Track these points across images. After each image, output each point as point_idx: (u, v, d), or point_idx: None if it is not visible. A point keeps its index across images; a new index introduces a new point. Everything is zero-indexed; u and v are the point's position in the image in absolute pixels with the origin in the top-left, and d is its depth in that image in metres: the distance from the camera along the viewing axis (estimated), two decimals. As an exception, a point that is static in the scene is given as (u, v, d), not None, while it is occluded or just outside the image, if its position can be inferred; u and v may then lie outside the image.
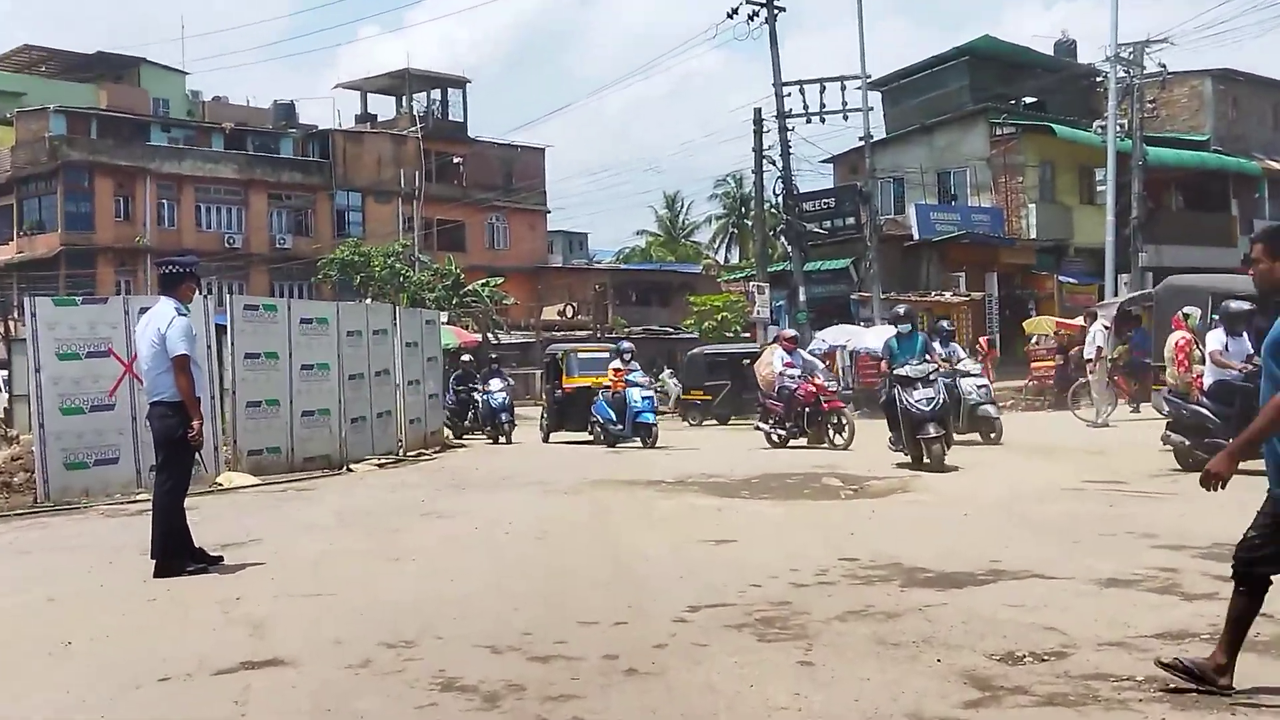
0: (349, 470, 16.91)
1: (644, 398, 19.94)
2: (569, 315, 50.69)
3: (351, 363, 17.99)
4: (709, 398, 29.59)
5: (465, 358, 27.53)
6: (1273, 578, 5.09)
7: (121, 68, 55.04)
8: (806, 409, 18.46)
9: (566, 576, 8.31)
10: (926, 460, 14.13)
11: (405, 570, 8.65)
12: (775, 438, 18.93)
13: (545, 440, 22.36)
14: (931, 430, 14.20)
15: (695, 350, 32.49)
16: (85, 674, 6.03)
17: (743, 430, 24.36)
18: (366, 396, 18.50)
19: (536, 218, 57.99)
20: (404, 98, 55.26)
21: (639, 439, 19.89)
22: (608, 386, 20.95)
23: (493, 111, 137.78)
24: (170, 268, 9.08)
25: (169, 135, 49.84)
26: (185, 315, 8.73)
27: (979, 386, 18.52)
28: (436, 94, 56.25)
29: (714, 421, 29.09)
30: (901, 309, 15.71)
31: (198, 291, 9.93)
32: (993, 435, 17.95)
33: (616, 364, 20.76)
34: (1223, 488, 5.08)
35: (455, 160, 55.48)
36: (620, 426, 20.16)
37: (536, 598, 7.58)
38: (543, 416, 25.08)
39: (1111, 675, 5.41)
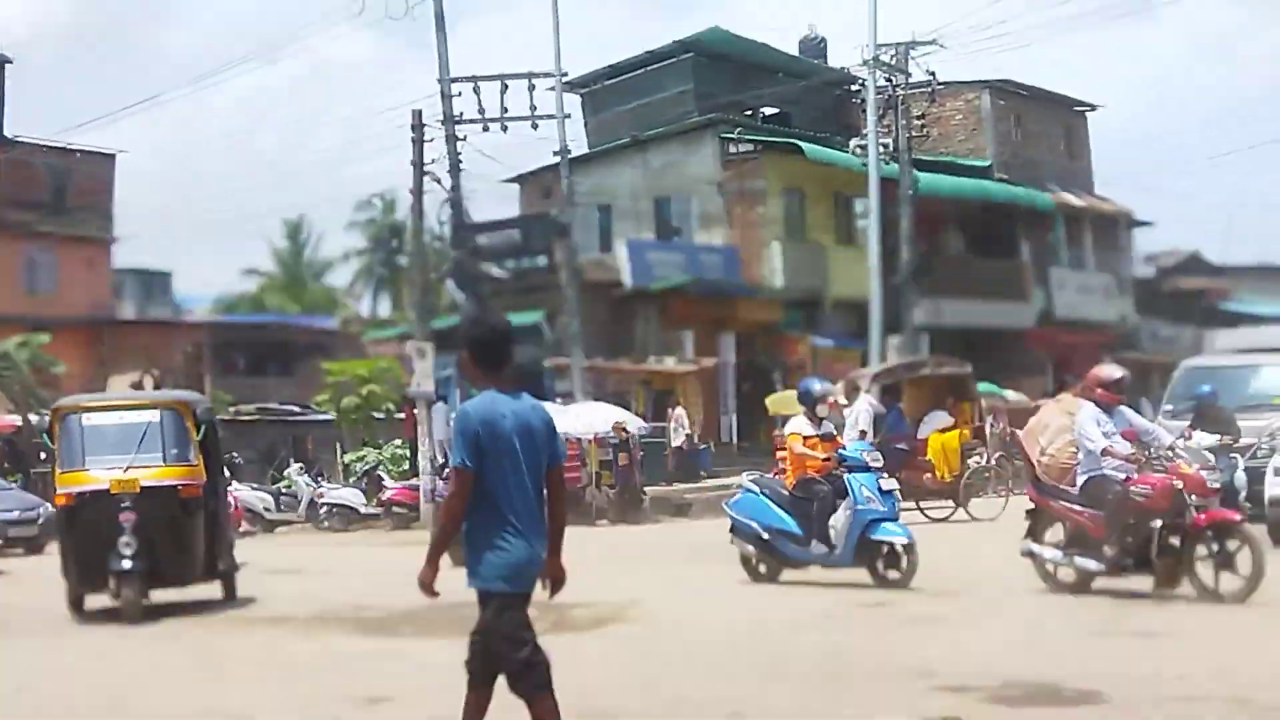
0: None
1: (884, 491, 14.61)
2: (149, 388, 49.09)
3: None
4: None
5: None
6: None
7: None
8: (1161, 524, 12.89)
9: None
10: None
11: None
12: (1070, 573, 13.86)
13: (74, 607, 15.00)
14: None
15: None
16: None
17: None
18: None
19: (97, 250, 55.73)
20: (-97, 75, 52.77)
21: (869, 567, 14.64)
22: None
23: (43, 101, 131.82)
24: None
25: None
26: None
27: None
28: (-46, 72, 53.97)
29: None
30: None
31: None
32: None
33: (800, 424, 15.53)
34: (432, 594, 6.81)
35: (-17, 167, 53.20)
36: (819, 547, 14.78)
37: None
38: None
39: None
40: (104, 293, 56.28)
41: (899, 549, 14.31)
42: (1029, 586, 14.52)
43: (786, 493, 15.28)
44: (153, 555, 14.25)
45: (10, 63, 54.59)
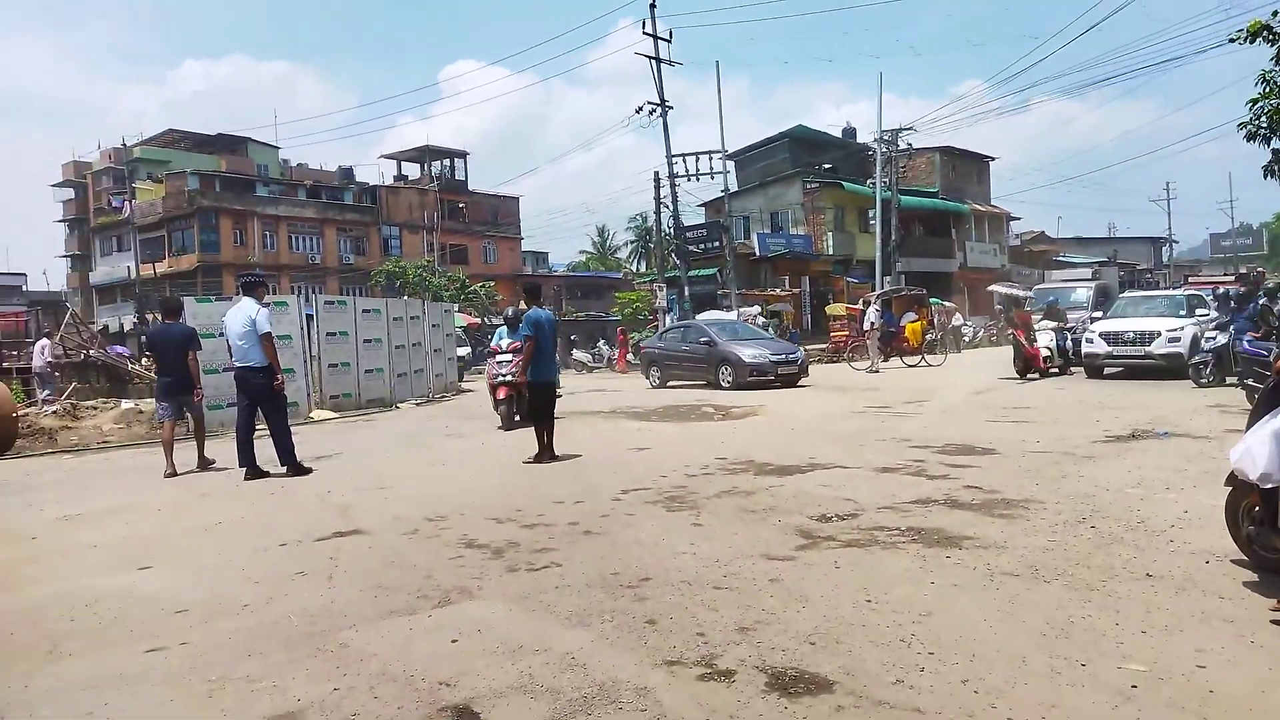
0: (396, 408, 16.48)
1: None
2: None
3: (396, 337, 17.52)
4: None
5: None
6: None
7: (234, 144, 52.96)
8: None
9: (542, 472, 8.21)
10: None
11: (438, 471, 8.51)
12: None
13: None
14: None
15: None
16: (229, 543, 5.90)
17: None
18: (406, 359, 18.03)
19: (514, 242, 57.28)
20: (426, 164, 54.15)
21: None
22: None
23: (487, 171, 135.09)
24: (249, 277, 8.72)
25: (268, 189, 48.53)
26: (265, 307, 8.41)
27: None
28: (448, 161, 55.11)
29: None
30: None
31: (266, 293, 8.92)
32: None
33: None
34: (523, 380, 8.69)
35: (460, 205, 54.53)
36: None
37: (524, 488, 7.50)
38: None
39: (886, 527, 5.54)
40: (517, 262, 57.58)
41: None
42: (959, 394, 13.85)
43: None
44: None
45: (469, 154, 55.99)
